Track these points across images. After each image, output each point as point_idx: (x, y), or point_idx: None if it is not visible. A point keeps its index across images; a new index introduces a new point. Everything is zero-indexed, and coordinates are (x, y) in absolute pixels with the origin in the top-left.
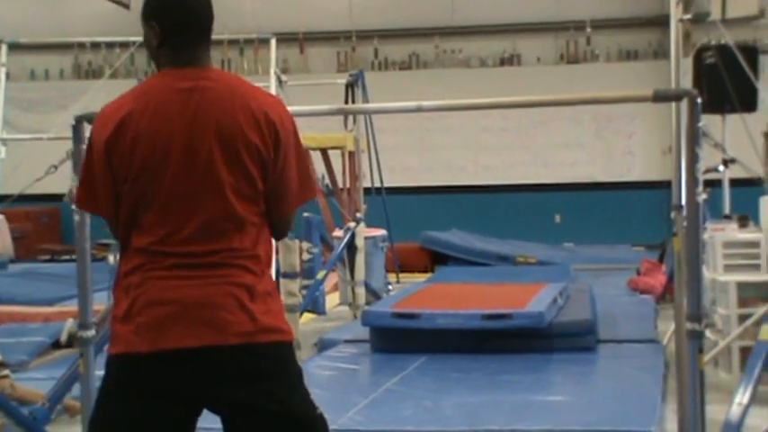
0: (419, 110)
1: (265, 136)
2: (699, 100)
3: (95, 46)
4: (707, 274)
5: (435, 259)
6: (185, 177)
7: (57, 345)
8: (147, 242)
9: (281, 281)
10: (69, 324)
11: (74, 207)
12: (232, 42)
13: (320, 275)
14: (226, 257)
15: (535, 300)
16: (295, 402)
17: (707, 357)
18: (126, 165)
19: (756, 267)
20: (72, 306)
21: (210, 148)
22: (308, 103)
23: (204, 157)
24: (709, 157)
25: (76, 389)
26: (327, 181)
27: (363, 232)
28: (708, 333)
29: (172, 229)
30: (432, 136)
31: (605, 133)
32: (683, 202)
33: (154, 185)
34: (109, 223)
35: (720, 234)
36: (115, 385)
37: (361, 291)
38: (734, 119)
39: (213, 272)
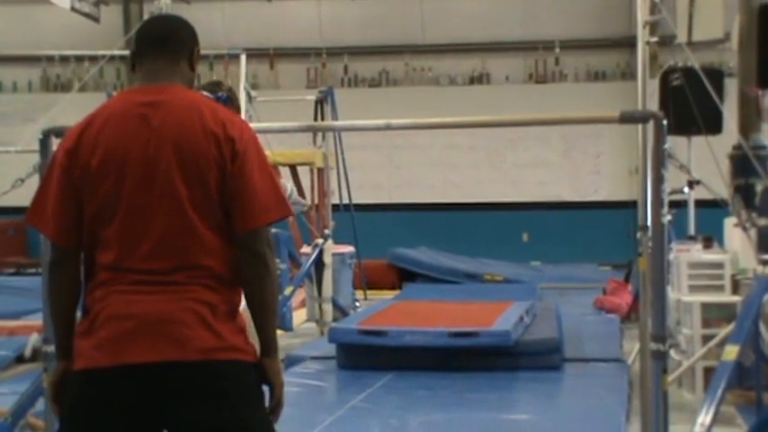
0: (388, 128)
1: (223, 148)
2: (664, 122)
3: (64, 59)
4: (672, 294)
5: (403, 276)
6: (143, 191)
7: (21, 359)
8: (110, 259)
9: None
10: (34, 338)
11: None
12: (202, 57)
13: (288, 291)
14: (188, 276)
15: (502, 318)
16: (253, 427)
17: (671, 377)
18: (85, 175)
19: (720, 288)
20: (37, 320)
21: (168, 160)
22: (278, 120)
23: (162, 170)
24: (674, 178)
25: (40, 404)
26: (296, 197)
27: (331, 249)
28: (672, 353)
29: (131, 243)
30: (400, 153)
31: (573, 153)
32: (649, 222)
33: (112, 198)
34: (51, 245)
35: (685, 255)
36: (78, 401)
37: (328, 307)
38: (699, 141)
39: (175, 288)
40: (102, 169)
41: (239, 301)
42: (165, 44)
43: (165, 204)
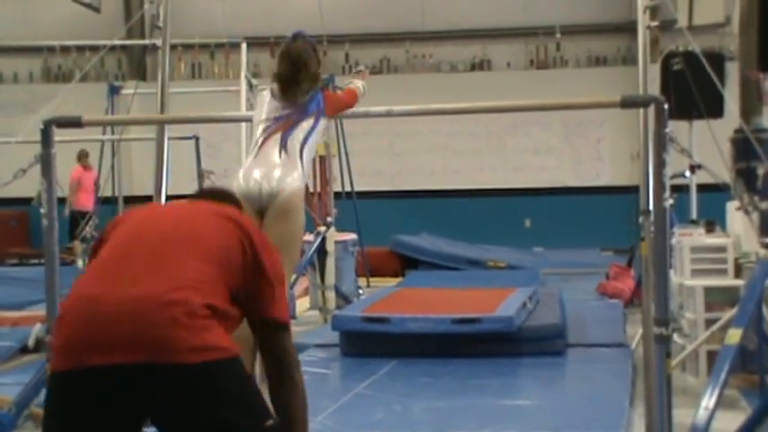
0: (389, 114)
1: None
2: (666, 106)
3: (65, 49)
4: (674, 278)
5: (405, 263)
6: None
7: (24, 349)
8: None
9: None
10: (37, 329)
11: (42, 211)
12: (203, 47)
13: (291, 279)
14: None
15: (504, 304)
16: (234, 421)
17: (674, 361)
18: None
19: (723, 272)
20: (40, 310)
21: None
22: None
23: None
24: (676, 162)
25: (44, 394)
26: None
27: (334, 236)
28: (675, 337)
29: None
30: (402, 140)
31: (574, 138)
32: (651, 207)
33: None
34: None
35: (688, 239)
36: (58, 401)
37: (331, 295)
38: (701, 125)
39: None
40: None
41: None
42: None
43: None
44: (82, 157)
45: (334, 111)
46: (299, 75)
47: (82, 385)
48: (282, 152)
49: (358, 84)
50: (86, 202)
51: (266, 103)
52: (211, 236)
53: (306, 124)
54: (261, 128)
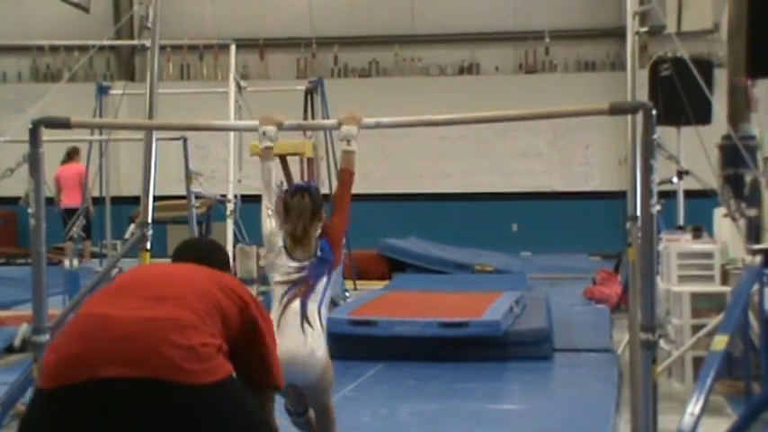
0: (378, 126)
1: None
2: (654, 112)
3: (54, 49)
4: (661, 284)
5: (393, 267)
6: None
7: (10, 349)
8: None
9: None
10: (23, 328)
11: (30, 211)
12: (192, 48)
13: None
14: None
15: (491, 308)
16: None
17: (660, 367)
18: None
19: (710, 278)
20: (26, 310)
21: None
22: (268, 110)
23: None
24: (663, 168)
25: (30, 394)
26: (286, 187)
27: None
28: (662, 343)
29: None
30: (390, 143)
31: (563, 143)
32: (638, 212)
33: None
34: None
35: (675, 245)
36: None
37: None
38: (688, 131)
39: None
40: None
41: None
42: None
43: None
44: (73, 153)
45: (340, 237)
46: (308, 229)
47: (92, 397)
48: (305, 323)
49: (352, 146)
50: (73, 200)
51: (281, 260)
52: (211, 289)
53: (321, 285)
54: (280, 290)
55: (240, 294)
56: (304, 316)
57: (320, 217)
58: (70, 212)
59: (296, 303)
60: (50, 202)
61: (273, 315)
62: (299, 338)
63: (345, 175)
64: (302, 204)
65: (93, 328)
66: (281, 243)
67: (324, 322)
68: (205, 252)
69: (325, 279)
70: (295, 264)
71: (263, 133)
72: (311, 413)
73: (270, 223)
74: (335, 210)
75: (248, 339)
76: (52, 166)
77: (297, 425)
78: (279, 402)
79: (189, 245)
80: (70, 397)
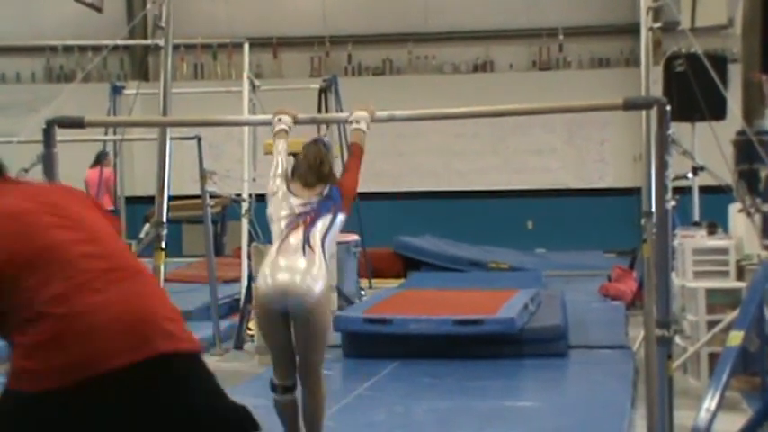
0: (391, 120)
1: None
2: (668, 108)
3: (67, 49)
4: (676, 280)
5: (408, 265)
6: None
7: None
8: None
9: (254, 285)
10: None
11: None
12: (205, 47)
13: None
14: None
15: (506, 306)
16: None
17: (676, 363)
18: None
19: (725, 274)
20: None
21: None
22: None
23: None
24: (678, 164)
25: None
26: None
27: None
28: (677, 339)
29: None
30: (404, 141)
31: (577, 140)
32: (653, 208)
33: None
34: None
35: (690, 241)
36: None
37: (333, 296)
38: (703, 127)
39: None
40: None
41: None
42: None
43: None
44: (101, 157)
45: (350, 192)
46: (316, 174)
47: (101, 391)
48: (306, 247)
49: (362, 125)
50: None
51: (286, 200)
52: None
53: (325, 220)
54: (283, 223)
55: None
56: (306, 241)
57: (330, 168)
58: None
59: (299, 231)
60: None
61: (273, 247)
62: (299, 261)
63: (355, 148)
64: (315, 149)
65: (82, 328)
66: (285, 188)
67: (326, 256)
68: None
69: (329, 216)
70: (300, 201)
71: (279, 120)
72: (296, 395)
73: (276, 181)
74: (346, 170)
75: None
76: (82, 169)
77: (279, 406)
78: (264, 379)
79: None
80: (75, 396)
